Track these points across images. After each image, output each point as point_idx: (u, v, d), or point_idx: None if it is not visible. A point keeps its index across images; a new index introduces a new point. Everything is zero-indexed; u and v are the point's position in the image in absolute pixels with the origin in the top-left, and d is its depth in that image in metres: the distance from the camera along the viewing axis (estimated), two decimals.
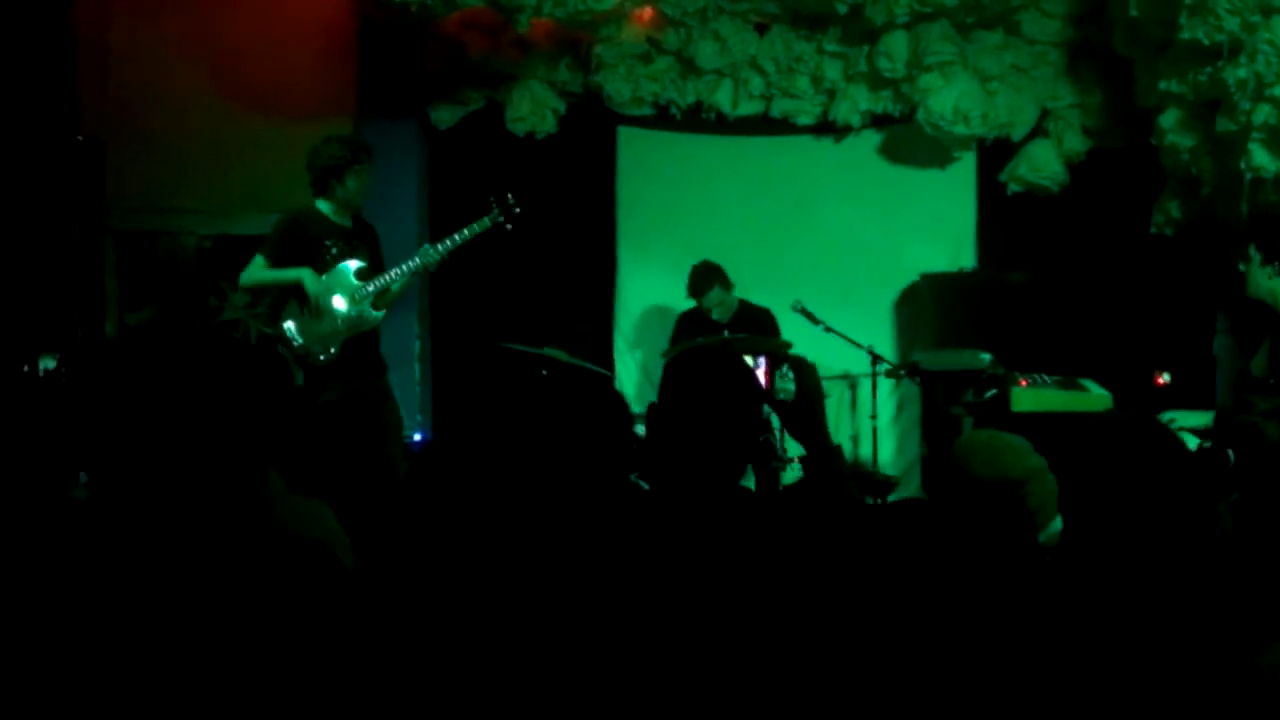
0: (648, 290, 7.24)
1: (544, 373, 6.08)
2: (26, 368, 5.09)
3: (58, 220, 5.51)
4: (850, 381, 6.71)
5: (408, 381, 6.97)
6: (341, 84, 6.99)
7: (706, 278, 6.20)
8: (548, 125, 6.99)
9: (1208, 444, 3.94)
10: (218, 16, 6.75)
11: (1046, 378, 5.23)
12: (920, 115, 6.49)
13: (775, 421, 5.30)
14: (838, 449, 2.74)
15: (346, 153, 5.00)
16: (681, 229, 7.11)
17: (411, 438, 6.90)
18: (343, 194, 5.03)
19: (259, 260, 5.01)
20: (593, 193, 7.26)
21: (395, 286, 5.08)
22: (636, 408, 4.14)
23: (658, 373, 6.78)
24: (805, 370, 2.81)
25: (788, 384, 3.77)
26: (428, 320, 7.35)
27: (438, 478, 2.85)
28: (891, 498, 6.37)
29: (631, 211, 7.27)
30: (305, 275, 4.96)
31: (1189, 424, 3.91)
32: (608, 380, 6.49)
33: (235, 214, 6.85)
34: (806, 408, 2.80)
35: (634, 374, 7.29)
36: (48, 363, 5.11)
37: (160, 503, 2.32)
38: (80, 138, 5.68)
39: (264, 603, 1.95)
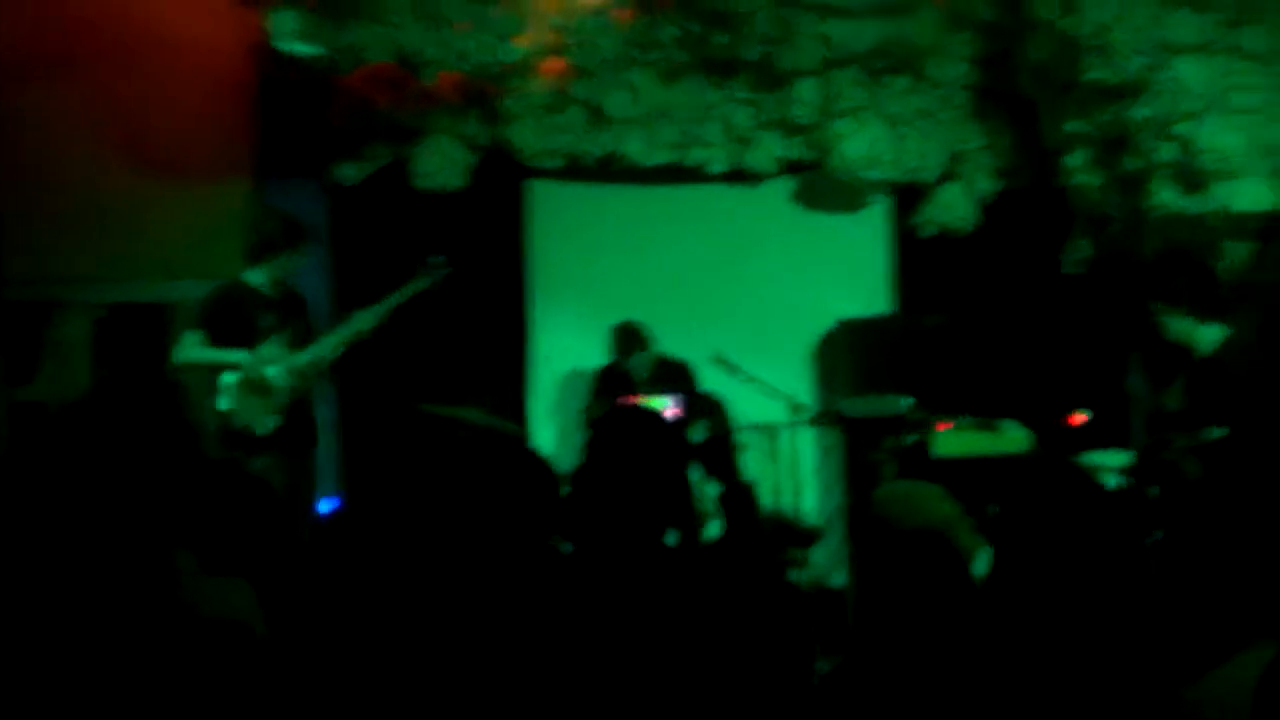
0: (563, 345, 7.10)
1: (460, 434, 5.93)
2: None
3: None
4: (771, 431, 6.61)
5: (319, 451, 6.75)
6: (241, 143, 6.83)
7: (632, 339, 6.13)
8: (456, 179, 6.85)
9: (1130, 482, 3.91)
10: (110, 76, 6.57)
11: (967, 420, 5.21)
12: (833, 161, 6.48)
13: (693, 476, 5.21)
14: (750, 486, 2.71)
15: (284, 234, 5.04)
16: (596, 281, 7.02)
17: (318, 506, 6.67)
18: (275, 271, 5.06)
19: (191, 337, 4.97)
20: (503, 247, 7.13)
21: (329, 355, 5.04)
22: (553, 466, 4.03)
23: (574, 431, 6.70)
24: (715, 408, 2.79)
25: (699, 432, 3.63)
26: (336, 384, 7.12)
27: (350, 544, 2.74)
28: (815, 548, 6.27)
29: (545, 265, 7.14)
30: (242, 359, 4.94)
31: (1110, 463, 3.87)
32: (528, 446, 6.37)
33: (134, 281, 6.65)
34: (720, 445, 2.80)
35: (550, 432, 7.13)
36: None
37: (58, 585, 2.21)
38: None
39: (174, 686, 1.91)
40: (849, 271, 6.88)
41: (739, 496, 2.63)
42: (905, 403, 5.53)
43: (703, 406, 5.32)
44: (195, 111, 6.73)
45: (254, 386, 4.97)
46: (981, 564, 2.66)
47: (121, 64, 6.57)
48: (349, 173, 6.95)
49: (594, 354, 6.73)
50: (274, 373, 5.00)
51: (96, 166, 6.59)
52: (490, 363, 7.02)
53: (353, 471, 7.06)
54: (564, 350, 7.08)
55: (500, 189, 7.05)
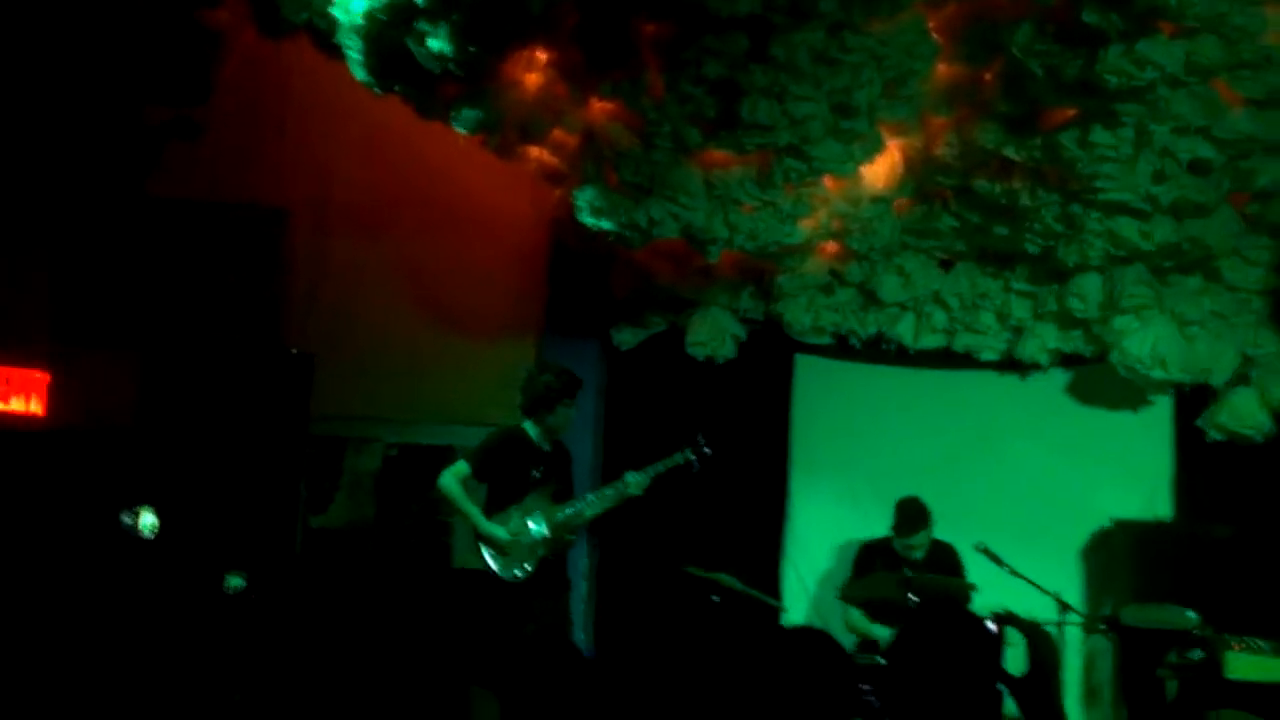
0: (820, 519, 7.09)
1: (715, 599, 5.99)
2: (217, 586, 5.28)
3: (264, 431, 5.79)
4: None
5: (573, 597, 6.92)
6: (531, 306, 7.31)
7: (921, 518, 6.04)
8: (727, 350, 7.04)
9: None
10: (420, 240, 7.22)
11: (1262, 643, 4.90)
12: (1114, 357, 6.34)
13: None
14: None
15: (559, 386, 5.30)
16: (857, 459, 7.02)
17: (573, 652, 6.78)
18: (550, 422, 5.34)
19: (463, 467, 5.30)
20: (768, 419, 7.23)
21: (589, 513, 5.24)
22: None
23: (827, 604, 6.61)
24: (1041, 639, 2.70)
25: (1018, 660, 3.43)
26: (596, 537, 7.33)
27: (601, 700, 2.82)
28: None
29: (807, 438, 7.20)
30: (498, 532, 5.19)
31: None
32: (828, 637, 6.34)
33: (422, 424, 7.12)
34: (1043, 682, 2.69)
35: (803, 603, 7.07)
36: (236, 581, 5.30)
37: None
38: (294, 351, 6.00)
39: None
40: (1126, 470, 6.63)
41: None
42: (1191, 617, 5.25)
43: (1023, 632, 5.15)
44: (492, 275, 7.28)
45: (512, 543, 5.22)
46: None
47: (432, 229, 7.22)
48: (626, 337, 7.26)
49: (850, 529, 6.71)
50: (535, 523, 5.23)
51: (400, 319, 7.18)
52: (748, 529, 7.08)
53: (604, 620, 7.17)
54: (820, 523, 7.08)
55: (769, 362, 7.21)
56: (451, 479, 5.32)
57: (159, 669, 5.24)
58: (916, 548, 6.05)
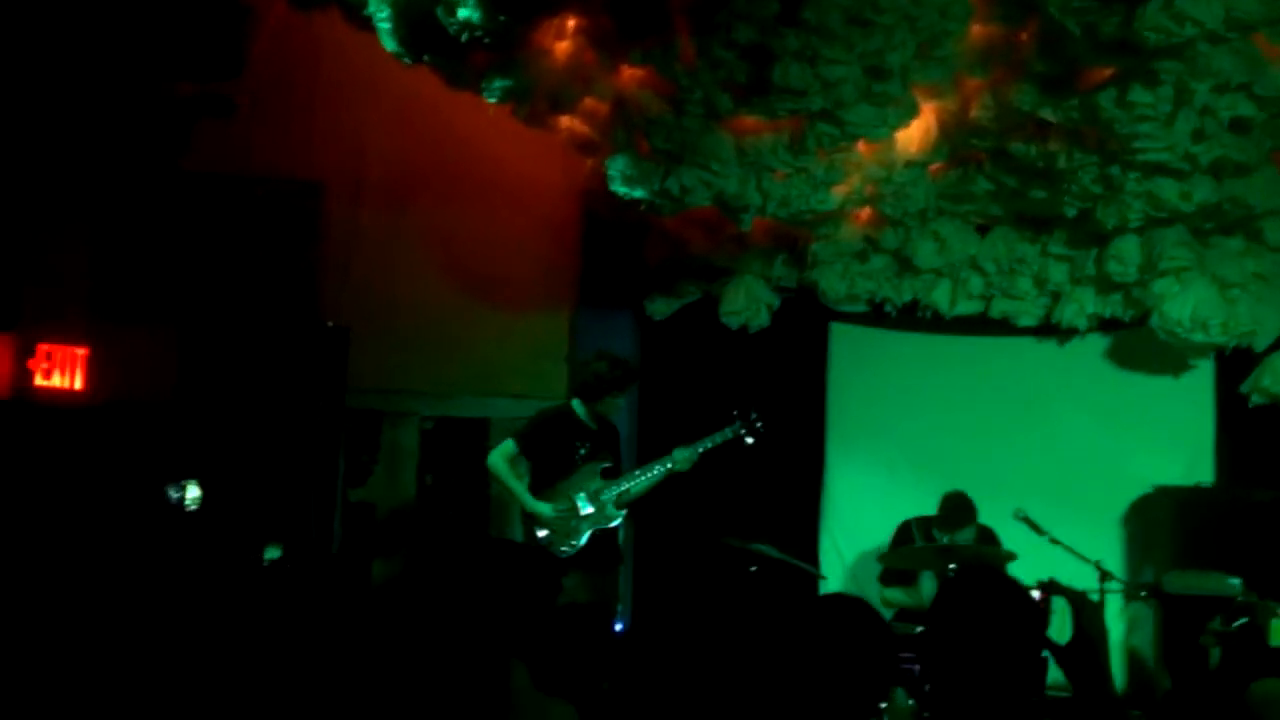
0: (857, 487, 7.08)
1: (753, 569, 5.99)
2: (256, 558, 5.34)
3: (301, 404, 5.83)
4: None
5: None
6: (564, 276, 7.31)
7: (963, 512, 5.90)
8: (761, 319, 7.01)
9: None
10: (452, 210, 7.21)
11: None
12: (1154, 321, 6.25)
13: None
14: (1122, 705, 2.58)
15: (609, 379, 5.42)
16: (894, 427, 6.99)
17: (611, 626, 6.83)
18: (600, 407, 5.47)
19: (510, 446, 5.38)
20: (803, 387, 7.21)
21: (636, 489, 5.30)
22: None
23: (865, 572, 6.59)
24: (1088, 610, 2.66)
25: (1063, 628, 3.43)
26: (634, 509, 7.33)
27: (641, 670, 2.81)
28: None
29: (842, 407, 7.18)
30: (544, 510, 5.30)
31: None
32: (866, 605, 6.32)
33: (457, 397, 7.14)
34: (1090, 652, 2.64)
35: (840, 571, 7.06)
36: (273, 553, 5.37)
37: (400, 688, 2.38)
38: (330, 324, 6.03)
39: None
40: (1167, 436, 6.56)
41: (1106, 712, 2.50)
42: (1234, 583, 5.19)
43: (1070, 601, 5.10)
44: (524, 245, 7.28)
45: (563, 514, 5.29)
46: None
47: (464, 200, 7.21)
48: (660, 307, 7.25)
49: (887, 496, 6.68)
50: (583, 500, 5.31)
51: (433, 291, 7.19)
52: (785, 498, 7.07)
53: (642, 593, 7.20)
54: (857, 491, 7.05)
55: (804, 330, 7.18)
56: (499, 458, 5.45)
57: (200, 640, 5.31)
58: (963, 543, 5.97)
